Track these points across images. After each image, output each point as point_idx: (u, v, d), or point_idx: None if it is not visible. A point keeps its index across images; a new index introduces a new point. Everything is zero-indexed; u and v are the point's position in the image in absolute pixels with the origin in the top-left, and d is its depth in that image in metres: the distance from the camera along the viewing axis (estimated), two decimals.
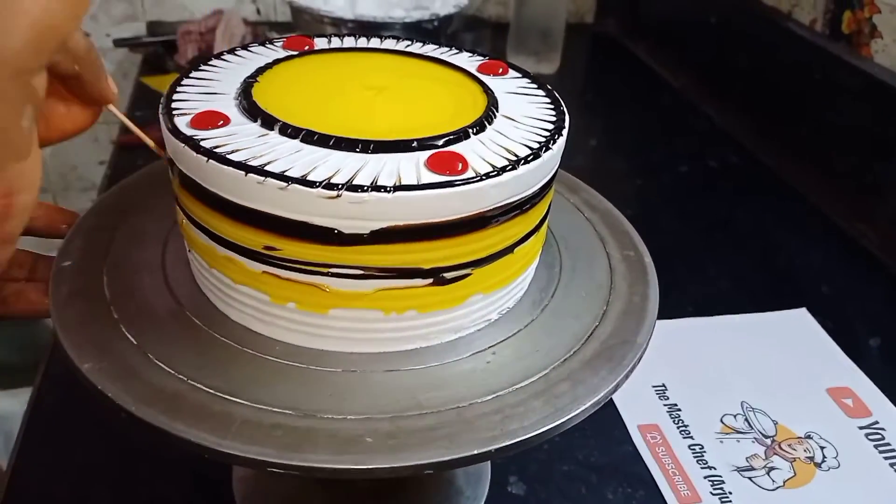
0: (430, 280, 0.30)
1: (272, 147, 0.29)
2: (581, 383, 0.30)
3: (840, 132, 0.75)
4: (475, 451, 0.27)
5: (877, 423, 0.50)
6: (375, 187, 0.27)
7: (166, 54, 0.97)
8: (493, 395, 0.29)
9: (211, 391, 0.29)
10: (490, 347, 0.32)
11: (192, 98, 0.33)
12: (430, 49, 0.40)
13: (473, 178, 0.28)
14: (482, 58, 0.39)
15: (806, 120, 0.81)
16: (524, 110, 0.34)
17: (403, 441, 0.27)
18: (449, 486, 0.43)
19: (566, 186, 0.44)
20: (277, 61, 0.37)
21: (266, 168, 0.28)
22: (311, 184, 0.27)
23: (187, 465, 0.43)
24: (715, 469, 0.46)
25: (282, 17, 1.09)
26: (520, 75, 0.38)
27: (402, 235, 0.28)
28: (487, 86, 0.36)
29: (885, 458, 0.48)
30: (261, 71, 0.36)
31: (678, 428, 0.49)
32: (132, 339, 0.31)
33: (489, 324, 0.34)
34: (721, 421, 0.50)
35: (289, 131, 0.30)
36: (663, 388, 0.52)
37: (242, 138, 0.30)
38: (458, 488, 0.43)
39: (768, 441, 0.48)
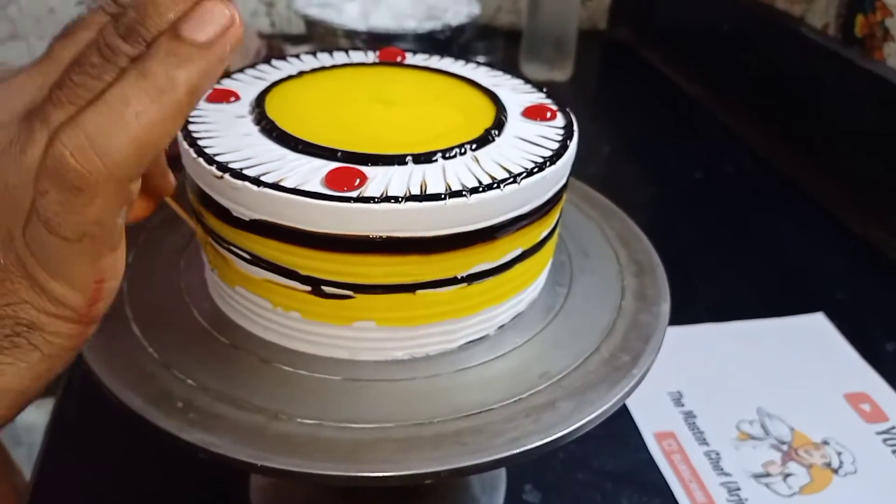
0: (309, 288, 0.31)
1: (231, 126, 0.33)
2: (375, 454, 0.28)
3: (854, 136, 0.75)
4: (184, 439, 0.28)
5: (894, 428, 0.50)
6: (253, 179, 0.29)
7: None
8: (311, 422, 0.29)
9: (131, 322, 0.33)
10: (360, 381, 0.31)
11: (243, 80, 0.37)
12: (495, 80, 0.40)
13: (348, 198, 0.28)
14: (542, 97, 0.38)
15: (820, 124, 0.80)
16: (507, 156, 0.32)
17: (190, 416, 0.29)
18: (465, 493, 0.43)
19: (636, 269, 0.40)
20: (335, 67, 0.40)
21: (198, 140, 0.31)
22: (211, 161, 0.30)
23: (207, 475, 0.44)
24: (731, 476, 0.46)
25: (296, 30, 1.10)
26: (561, 124, 0.35)
27: (273, 232, 0.30)
28: (501, 124, 0.34)
29: None
30: (307, 72, 0.38)
31: (694, 435, 0.49)
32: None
33: (395, 361, 0.33)
34: (737, 427, 0.50)
35: (256, 118, 0.33)
36: (679, 394, 0.52)
37: (221, 115, 0.34)
38: (474, 496, 0.43)
39: (785, 447, 0.48)
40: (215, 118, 0.33)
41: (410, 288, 0.31)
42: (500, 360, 0.33)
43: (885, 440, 0.49)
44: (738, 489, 0.45)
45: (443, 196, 0.29)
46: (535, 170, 0.31)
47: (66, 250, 0.21)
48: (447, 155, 0.31)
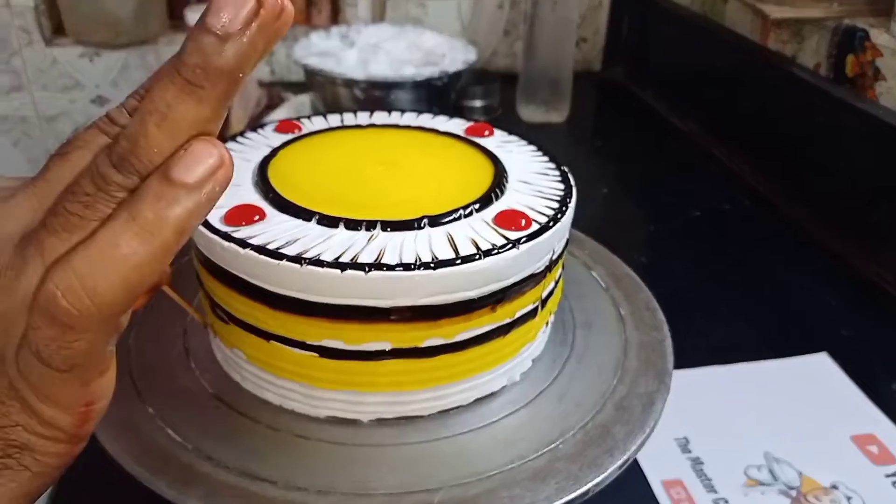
0: (209, 303, 0.34)
1: (249, 152, 0.37)
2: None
3: (849, 174, 0.76)
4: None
5: None
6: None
7: None
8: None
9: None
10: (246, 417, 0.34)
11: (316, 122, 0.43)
12: (515, 149, 0.41)
13: (216, 230, 0.31)
14: (557, 181, 0.37)
15: (815, 162, 0.81)
16: (408, 246, 0.31)
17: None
18: None
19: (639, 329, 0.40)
20: (349, 126, 0.43)
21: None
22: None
23: None
24: None
25: (295, 77, 1.12)
26: (547, 222, 0.34)
27: (194, 249, 0.33)
28: (456, 215, 0.34)
29: None
30: (327, 130, 0.42)
31: (702, 482, 0.48)
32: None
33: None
34: (745, 473, 0.49)
35: (263, 156, 0.36)
36: (685, 440, 0.52)
37: (259, 141, 0.39)
38: None
39: (793, 493, 0.48)
40: (253, 142, 0.38)
41: (264, 335, 0.32)
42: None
43: (894, 483, 0.49)
44: None
45: (279, 255, 0.30)
46: (399, 267, 0.30)
47: (57, 378, 0.22)
48: (350, 225, 0.32)
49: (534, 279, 0.34)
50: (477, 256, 0.31)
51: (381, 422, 0.33)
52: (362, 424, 0.33)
